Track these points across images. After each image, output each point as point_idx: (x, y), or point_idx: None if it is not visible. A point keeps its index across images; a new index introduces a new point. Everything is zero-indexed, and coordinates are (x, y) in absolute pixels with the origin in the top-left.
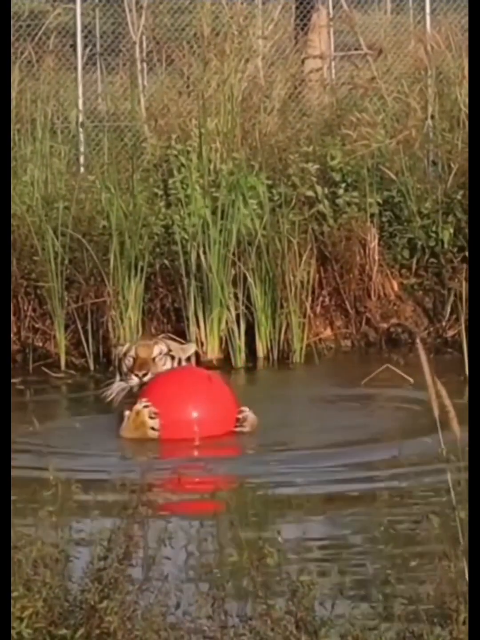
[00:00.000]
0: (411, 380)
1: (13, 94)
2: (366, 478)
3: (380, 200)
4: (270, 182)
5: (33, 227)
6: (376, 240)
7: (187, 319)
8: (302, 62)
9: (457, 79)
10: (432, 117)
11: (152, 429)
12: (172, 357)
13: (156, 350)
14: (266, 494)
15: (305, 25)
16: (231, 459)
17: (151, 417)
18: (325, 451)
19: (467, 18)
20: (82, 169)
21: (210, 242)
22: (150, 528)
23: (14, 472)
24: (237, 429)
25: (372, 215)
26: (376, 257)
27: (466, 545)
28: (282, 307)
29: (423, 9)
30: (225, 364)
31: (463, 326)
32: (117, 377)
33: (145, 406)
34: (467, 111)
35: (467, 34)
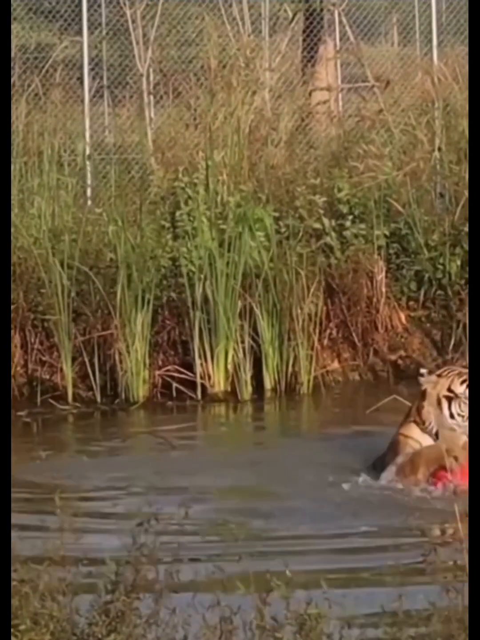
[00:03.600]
0: None
1: (20, 127)
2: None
3: (387, 233)
4: (277, 214)
5: (40, 260)
6: (383, 273)
7: (194, 351)
8: (309, 94)
9: (464, 111)
10: (440, 149)
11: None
12: None
13: None
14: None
15: (312, 57)
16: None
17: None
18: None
19: None
20: (89, 202)
21: (217, 274)
22: (158, 561)
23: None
24: None
25: (379, 247)
26: (383, 290)
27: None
28: (289, 339)
29: (430, 40)
30: (232, 397)
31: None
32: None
33: None
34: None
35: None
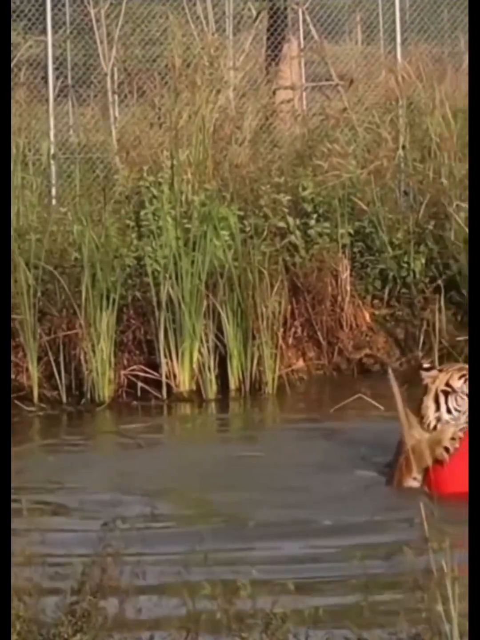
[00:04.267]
0: (382, 408)
1: None
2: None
3: (351, 231)
4: (241, 213)
5: None
6: (348, 271)
7: (159, 350)
8: (273, 93)
9: (428, 109)
10: (404, 147)
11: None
12: None
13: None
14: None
15: (276, 56)
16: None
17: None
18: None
19: (437, 48)
20: (54, 201)
21: (182, 273)
22: (124, 561)
23: None
24: None
25: (343, 246)
26: (348, 288)
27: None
28: (254, 338)
29: (394, 39)
30: (197, 396)
31: (436, 357)
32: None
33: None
34: (438, 140)
35: (437, 64)
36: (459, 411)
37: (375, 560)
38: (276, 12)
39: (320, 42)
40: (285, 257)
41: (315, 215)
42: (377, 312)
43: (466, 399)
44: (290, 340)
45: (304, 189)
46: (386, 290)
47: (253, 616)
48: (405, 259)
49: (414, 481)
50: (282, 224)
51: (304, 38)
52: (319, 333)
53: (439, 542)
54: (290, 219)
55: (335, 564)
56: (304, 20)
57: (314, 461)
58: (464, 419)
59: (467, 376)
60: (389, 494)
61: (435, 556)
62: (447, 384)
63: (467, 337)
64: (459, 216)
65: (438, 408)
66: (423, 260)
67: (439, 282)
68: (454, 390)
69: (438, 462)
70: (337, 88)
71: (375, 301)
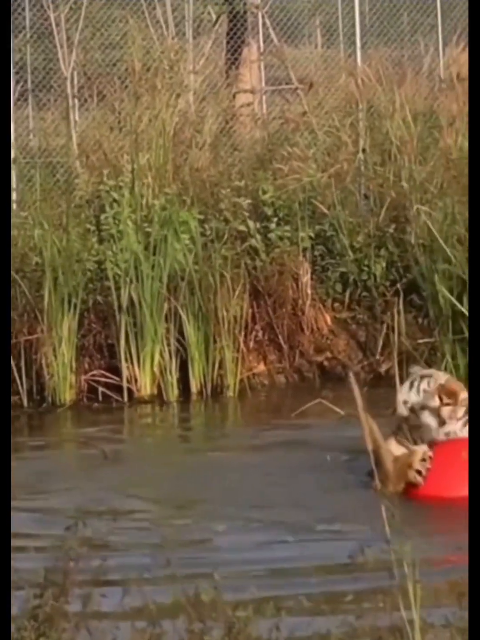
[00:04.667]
0: (342, 412)
1: None
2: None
3: (312, 234)
4: (202, 216)
5: None
6: (308, 275)
7: (120, 354)
8: (233, 96)
9: (388, 112)
10: (364, 150)
11: (418, 472)
12: None
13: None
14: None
15: (236, 59)
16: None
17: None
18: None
19: (397, 51)
20: (14, 205)
21: (143, 277)
22: (87, 565)
23: None
24: None
25: (304, 249)
26: (309, 291)
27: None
28: (215, 342)
29: (354, 43)
30: (158, 400)
31: (396, 360)
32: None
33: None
34: (398, 144)
35: (397, 68)
36: (427, 391)
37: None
38: (236, 16)
39: (280, 46)
40: (246, 261)
41: (275, 219)
42: (337, 316)
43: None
44: (252, 344)
45: (265, 192)
46: (347, 294)
47: (215, 619)
48: (366, 262)
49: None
50: (242, 228)
51: (264, 42)
52: (280, 336)
53: (400, 544)
54: (250, 223)
55: (296, 563)
56: (264, 24)
57: (276, 464)
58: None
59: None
60: (351, 496)
61: (397, 560)
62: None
63: (427, 340)
64: (419, 219)
65: (442, 423)
66: (383, 264)
67: (399, 285)
68: (453, 395)
69: (413, 485)
70: (297, 92)
71: (336, 304)
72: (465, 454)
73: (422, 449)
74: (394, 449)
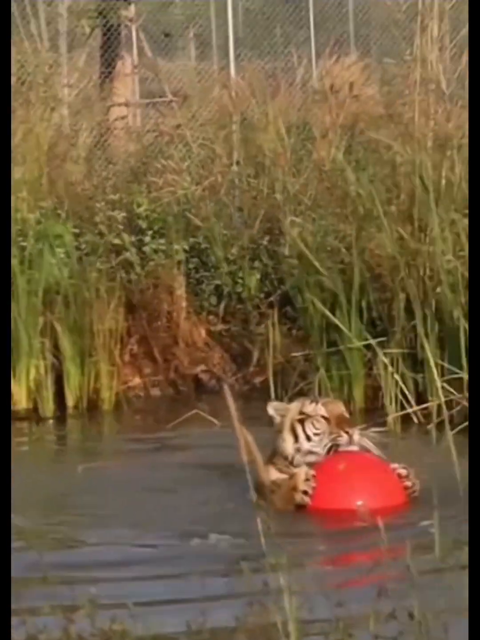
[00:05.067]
0: (218, 423)
1: None
2: None
3: (186, 247)
4: (77, 230)
5: None
6: (183, 287)
7: None
8: (108, 110)
9: (262, 124)
10: (237, 163)
11: (304, 493)
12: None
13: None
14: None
15: (110, 72)
16: None
17: (306, 479)
18: None
19: (270, 64)
20: None
21: (18, 291)
22: None
23: None
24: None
25: (179, 262)
26: (183, 305)
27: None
28: (90, 355)
29: (227, 55)
30: (34, 414)
31: (271, 372)
32: (293, 444)
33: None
34: (272, 156)
35: (270, 80)
36: (318, 434)
37: (213, 577)
38: (109, 29)
39: (154, 59)
40: (121, 274)
41: (150, 232)
42: (212, 328)
43: (323, 420)
44: (127, 357)
45: (139, 205)
46: (221, 306)
47: (93, 635)
48: (240, 275)
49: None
50: (117, 241)
51: (138, 55)
52: (155, 349)
53: (276, 557)
54: (125, 236)
55: (173, 580)
56: (138, 37)
57: (152, 477)
58: (326, 439)
59: (318, 400)
60: (228, 509)
61: (273, 571)
62: (301, 412)
63: (301, 352)
64: (293, 231)
65: (297, 439)
66: (258, 276)
67: (274, 297)
68: (308, 416)
69: (302, 507)
70: (171, 104)
71: (211, 317)
72: (342, 466)
73: (303, 470)
74: (274, 475)
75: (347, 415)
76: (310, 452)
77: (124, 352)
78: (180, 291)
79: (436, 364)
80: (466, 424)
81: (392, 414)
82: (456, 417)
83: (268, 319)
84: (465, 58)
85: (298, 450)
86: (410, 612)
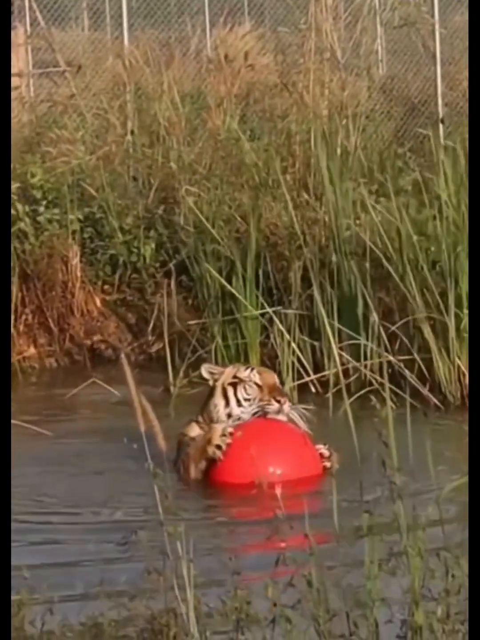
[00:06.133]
0: (117, 393)
1: None
2: None
3: (81, 217)
4: None
5: None
6: (78, 257)
7: None
8: None
9: (156, 94)
10: (132, 132)
11: (217, 447)
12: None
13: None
14: None
15: None
16: None
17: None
18: None
19: (164, 33)
20: None
21: None
22: None
23: None
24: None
25: (73, 232)
26: (78, 274)
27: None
28: None
29: (121, 25)
30: None
31: (167, 341)
32: (224, 408)
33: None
34: (166, 125)
35: (165, 49)
36: (248, 400)
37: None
38: None
39: (47, 29)
40: (16, 245)
41: (44, 202)
42: (107, 298)
43: (255, 386)
44: (21, 328)
45: (33, 176)
46: (117, 276)
47: None
48: (136, 244)
49: (198, 474)
50: (11, 211)
51: (31, 25)
52: (50, 320)
53: (173, 525)
54: (19, 206)
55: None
56: (30, 7)
57: (50, 450)
58: (255, 406)
59: (253, 367)
60: (126, 480)
61: (171, 539)
62: (234, 376)
63: (197, 321)
64: (188, 200)
65: (228, 403)
66: (153, 245)
67: (170, 266)
68: (241, 380)
69: (212, 460)
70: (65, 74)
71: (106, 286)
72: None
73: (222, 425)
74: (195, 432)
75: (279, 386)
76: (239, 418)
77: (19, 323)
78: (75, 261)
79: (333, 332)
80: (363, 391)
81: (289, 384)
82: (353, 386)
83: (164, 289)
84: (359, 26)
85: (229, 415)
86: (309, 580)
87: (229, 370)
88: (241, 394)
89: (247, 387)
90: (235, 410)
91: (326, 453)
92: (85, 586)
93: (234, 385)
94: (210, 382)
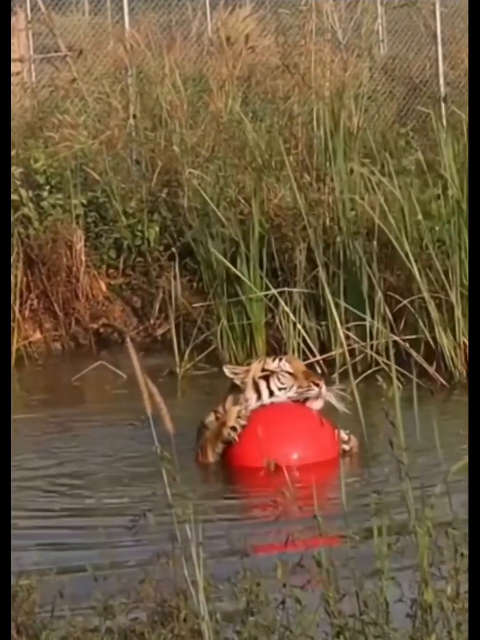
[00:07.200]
0: (124, 376)
1: None
2: None
3: (85, 201)
4: None
5: None
6: (82, 242)
7: None
8: None
9: (158, 77)
10: (134, 116)
11: (233, 428)
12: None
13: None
14: None
15: None
16: None
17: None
18: None
19: (165, 16)
20: None
21: None
22: None
23: None
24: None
25: (77, 216)
26: (83, 258)
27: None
28: None
29: (121, 8)
30: None
31: (173, 324)
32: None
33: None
34: (169, 108)
35: (165, 32)
36: (283, 389)
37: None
38: None
39: (48, 14)
40: (20, 230)
41: (48, 187)
42: (112, 282)
43: (288, 375)
44: (27, 313)
45: (36, 161)
46: (121, 260)
47: None
48: (140, 228)
49: (215, 457)
50: (15, 197)
51: (31, 10)
52: (55, 304)
53: (183, 508)
54: (23, 191)
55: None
56: None
57: (59, 433)
58: (292, 393)
59: (280, 357)
60: (135, 462)
61: (179, 523)
62: (263, 369)
63: (202, 304)
64: (191, 183)
65: (260, 396)
66: (157, 228)
67: (174, 249)
68: (272, 372)
69: (228, 442)
70: (66, 59)
71: (111, 271)
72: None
73: (237, 408)
74: (210, 418)
75: (310, 370)
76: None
77: (24, 308)
78: (80, 245)
79: (338, 312)
80: (370, 371)
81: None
82: (359, 366)
83: (168, 271)
84: (360, 6)
85: (263, 406)
86: (318, 561)
87: (256, 365)
88: (275, 384)
89: (280, 377)
90: (268, 401)
91: (345, 437)
92: (95, 569)
93: (266, 377)
94: (237, 382)
